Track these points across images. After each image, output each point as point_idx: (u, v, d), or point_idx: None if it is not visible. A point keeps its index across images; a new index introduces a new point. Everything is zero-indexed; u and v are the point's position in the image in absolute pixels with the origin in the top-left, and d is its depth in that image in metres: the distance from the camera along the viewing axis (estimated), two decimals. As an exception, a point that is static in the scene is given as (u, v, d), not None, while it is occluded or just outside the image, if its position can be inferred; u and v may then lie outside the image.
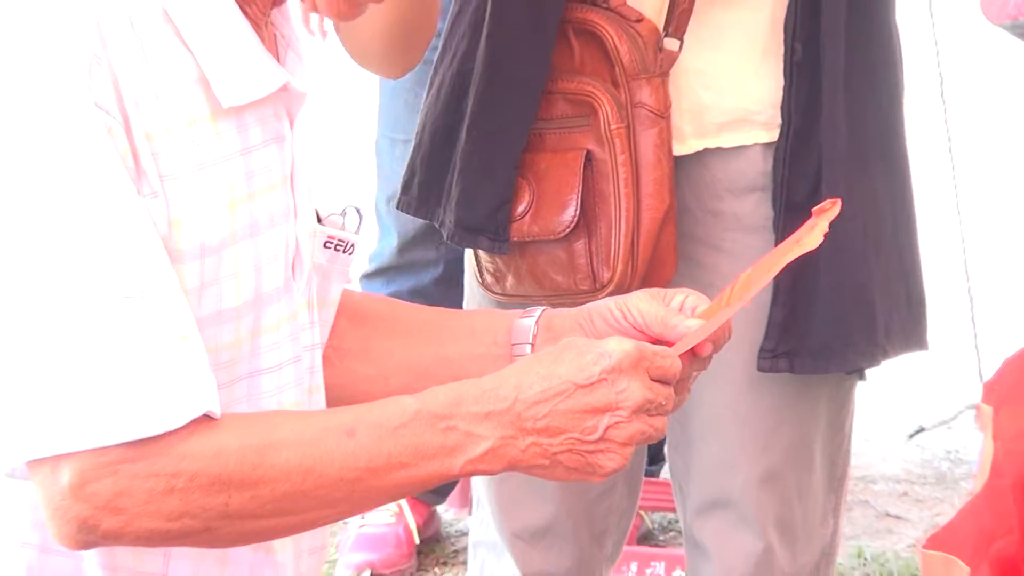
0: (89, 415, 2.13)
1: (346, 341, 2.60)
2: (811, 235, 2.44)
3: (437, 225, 3.36)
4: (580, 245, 3.24)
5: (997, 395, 2.32)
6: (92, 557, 2.28)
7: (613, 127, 3.20)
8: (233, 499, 2.19)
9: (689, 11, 3.22)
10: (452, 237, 3.34)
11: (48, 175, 2.15)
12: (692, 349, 2.34)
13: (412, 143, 3.48)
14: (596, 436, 2.23)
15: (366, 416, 2.25)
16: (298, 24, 2.49)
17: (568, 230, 3.24)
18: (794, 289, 3.24)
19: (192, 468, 2.16)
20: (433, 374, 2.45)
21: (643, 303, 2.45)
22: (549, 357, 2.27)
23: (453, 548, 5.16)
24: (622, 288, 2.83)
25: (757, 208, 3.29)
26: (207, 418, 2.16)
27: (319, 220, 2.49)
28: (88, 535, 2.17)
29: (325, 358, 2.53)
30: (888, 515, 5.37)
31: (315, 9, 2.52)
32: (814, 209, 2.50)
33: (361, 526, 4.91)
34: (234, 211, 2.27)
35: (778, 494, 3.37)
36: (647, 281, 3.11)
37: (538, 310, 2.52)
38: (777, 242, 3.15)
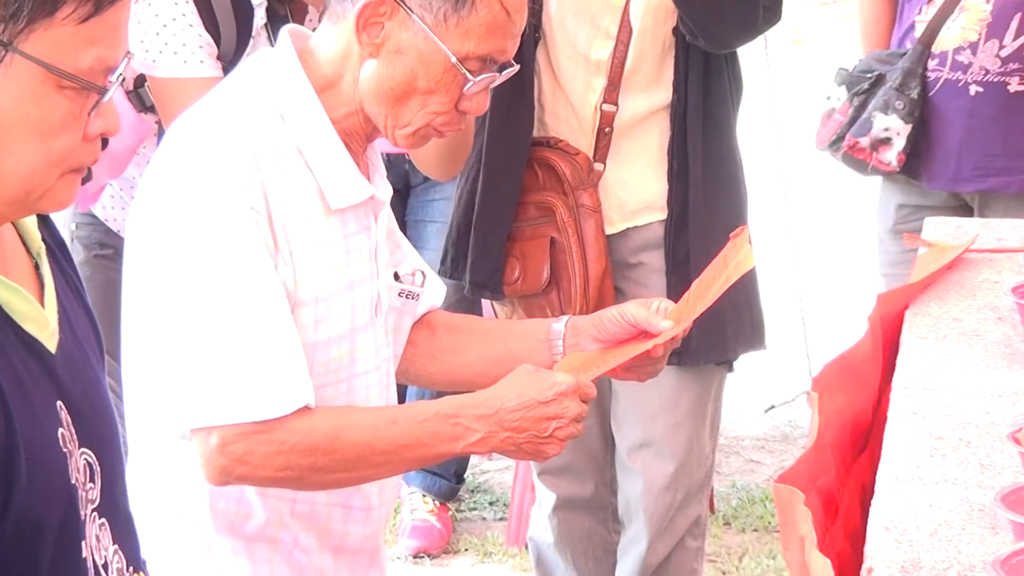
0: (232, 402, 2.33)
1: (444, 343, 2.69)
2: (745, 257, 2.60)
3: (462, 284, 3.70)
4: (553, 295, 3.61)
5: (820, 386, 2.39)
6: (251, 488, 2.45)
7: (566, 221, 3.58)
8: (318, 460, 2.36)
9: (608, 146, 3.58)
10: (470, 292, 3.72)
11: (220, 249, 2.33)
12: (664, 344, 2.54)
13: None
14: (547, 434, 2.41)
15: (404, 412, 2.46)
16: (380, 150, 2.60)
17: (544, 286, 3.61)
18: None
19: (294, 439, 2.34)
20: (501, 362, 2.57)
21: (635, 309, 2.58)
22: (522, 381, 2.43)
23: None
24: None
25: (657, 259, 3.63)
26: (306, 408, 2.35)
27: (397, 278, 2.60)
28: (226, 478, 2.36)
29: (429, 356, 2.68)
30: (751, 460, 5.43)
31: (393, 143, 2.48)
32: (732, 235, 2.67)
33: (412, 519, 4.83)
34: (337, 274, 2.43)
35: (683, 437, 3.70)
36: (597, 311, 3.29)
37: (565, 317, 2.65)
38: (668, 286, 3.56)
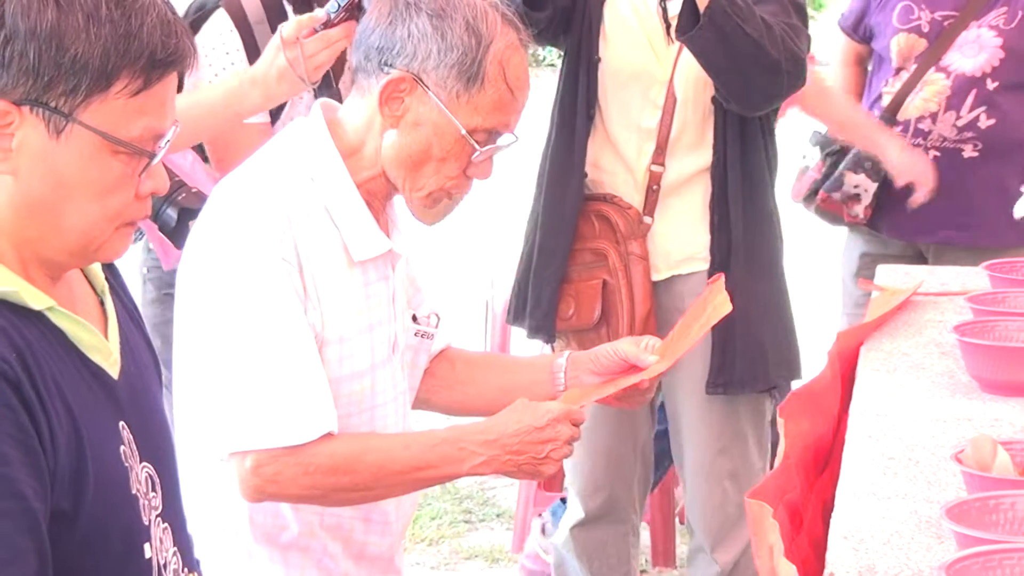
0: (264, 429, 2.35)
1: (462, 375, 2.70)
2: (722, 303, 2.61)
3: (524, 328, 3.75)
4: (603, 331, 3.61)
5: (786, 412, 2.39)
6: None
7: (617, 266, 3.60)
8: (340, 480, 2.37)
9: (656, 201, 3.61)
10: (529, 335, 3.76)
11: (256, 296, 2.35)
12: (650, 377, 2.54)
13: None
14: (543, 455, 2.43)
15: (416, 438, 2.46)
16: (400, 210, 2.62)
17: (595, 323, 3.62)
18: (724, 349, 3.58)
19: (318, 461, 2.35)
20: (512, 392, 2.55)
21: (626, 346, 2.61)
22: (520, 410, 2.44)
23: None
24: None
25: None
26: (329, 434, 2.36)
27: (415, 319, 2.60)
28: (259, 495, 2.38)
29: (448, 386, 2.69)
30: None
31: (409, 204, 2.54)
32: (709, 281, 2.73)
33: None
34: (359, 317, 2.44)
35: (730, 459, 3.69)
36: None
37: (566, 353, 2.67)
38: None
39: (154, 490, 1.85)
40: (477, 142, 2.44)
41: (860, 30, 4.44)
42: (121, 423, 1.80)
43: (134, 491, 1.79)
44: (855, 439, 2.43)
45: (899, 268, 3.53)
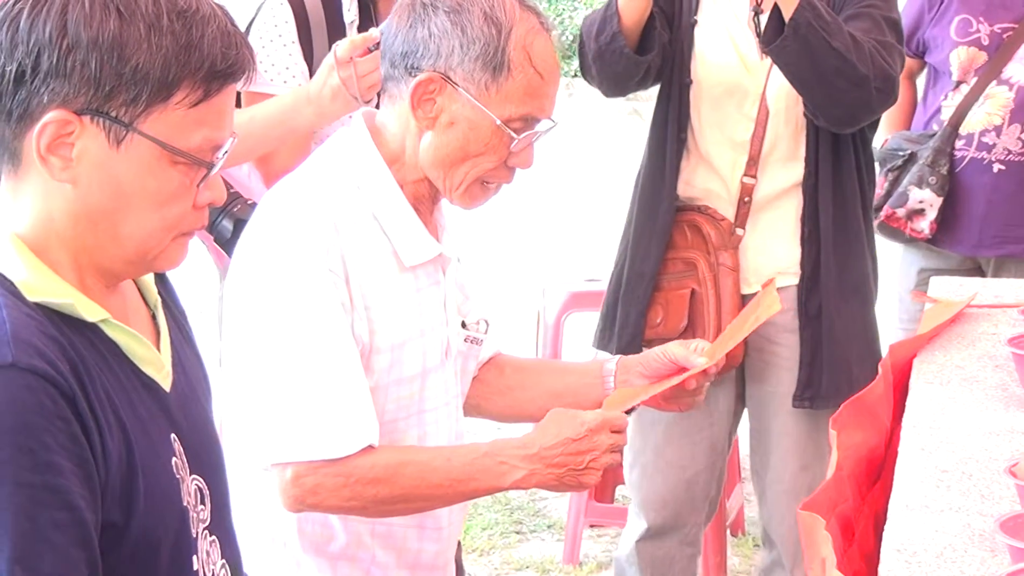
0: (306, 442, 2.35)
1: (511, 381, 2.70)
2: (771, 303, 2.64)
3: (611, 351, 3.67)
4: (689, 339, 3.59)
5: (839, 424, 2.39)
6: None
7: (706, 276, 3.62)
8: (380, 492, 2.36)
9: (747, 214, 3.62)
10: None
11: (300, 308, 2.35)
12: (703, 371, 2.54)
13: None
14: (583, 466, 2.42)
15: (457, 451, 2.43)
16: (448, 211, 2.59)
17: (681, 332, 3.62)
18: (811, 364, 3.60)
19: (358, 474, 2.35)
20: (562, 396, 2.59)
21: (676, 348, 2.60)
22: (557, 422, 2.44)
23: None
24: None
25: (790, 319, 3.63)
26: (370, 447, 2.35)
27: (464, 326, 2.59)
28: (300, 506, 2.37)
29: (498, 392, 2.69)
30: None
31: (451, 202, 2.49)
32: (763, 284, 2.75)
33: None
34: (411, 323, 2.44)
35: (811, 476, 3.67)
36: (729, 362, 3.47)
37: (616, 357, 2.68)
38: (801, 339, 3.59)
39: (203, 503, 1.85)
40: (514, 131, 2.42)
41: (913, 44, 4.43)
42: (173, 435, 1.82)
43: (184, 503, 1.80)
44: (908, 451, 2.42)
45: (953, 280, 3.51)
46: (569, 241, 8.41)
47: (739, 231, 3.63)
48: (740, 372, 3.77)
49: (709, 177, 3.66)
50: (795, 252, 3.62)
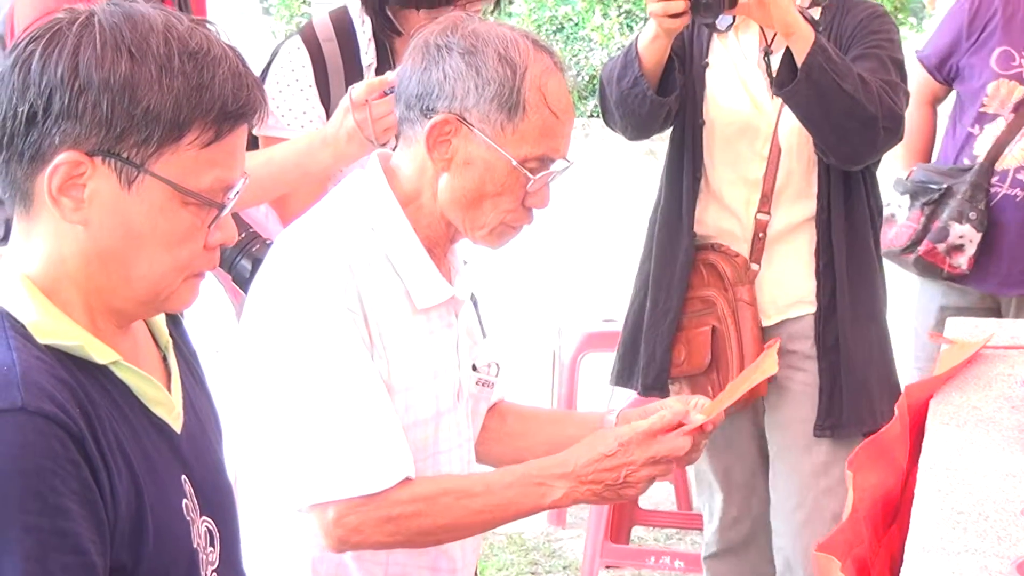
0: (346, 480, 2.34)
1: (513, 429, 2.72)
2: (769, 365, 2.60)
3: (634, 388, 3.78)
4: (714, 375, 3.66)
5: (855, 465, 2.38)
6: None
7: (726, 313, 3.66)
8: (423, 523, 2.36)
9: (762, 249, 3.66)
10: (642, 393, 3.76)
11: (324, 348, 2.34)
12: (700, 427, 2.49)
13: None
14: (620, 481, 2.41)
15: (494, 476, 2.44)
16: (461, 253, 2.60)
17: (705, 368, 3.67)
18: (831, 393, 3.63)
19: (399, 508, 2.34)
20: (562, 447, 2.53)
21: (675, 404, 2.56)
22: (591, 439, 2.45)
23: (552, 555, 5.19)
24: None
25: (808, 347, 3.68)
26: (407, 479, 2.35)
27: (475, 368, 2.62)
28: (343, 546, 2.37)
29: (498, 439, 2.69)
30: None
31: (474, 242, 2.50)
32: (766, 345, 2.73)
33: None
34: (423, 365, 2.45)
35: (833, 503, 3.69)
36: (752, 394, 3.46)
37: (616, 409, 2.69)
38: (820, 369, 3.64)
39: (212, 545, 1.85)
40: (529, 171, 2.43)
41: (945, 70, 4.40)
42: (183, 477, 1.82)
43: (194, 545, 1.80)
44: (924, 493, 2.39)
45: (969, 321, 3.50)
46: (585, 281, 8.42)
47: (754, 266, 3.68)
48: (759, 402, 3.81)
49: (721, 215, 3.70)
50: (810, 284, 3.67)
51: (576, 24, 12.92)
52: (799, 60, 3.43)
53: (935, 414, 2.77)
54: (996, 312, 4.32)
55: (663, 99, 3.56)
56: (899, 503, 2.55)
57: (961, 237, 4.26)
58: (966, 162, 4.31)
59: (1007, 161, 4.24)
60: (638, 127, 3.66)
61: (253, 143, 3.35)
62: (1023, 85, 4.22)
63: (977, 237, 4.24)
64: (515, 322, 7.28)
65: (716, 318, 3.66)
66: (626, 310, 3.84)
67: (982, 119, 4.29)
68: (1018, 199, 4.23)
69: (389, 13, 3.32)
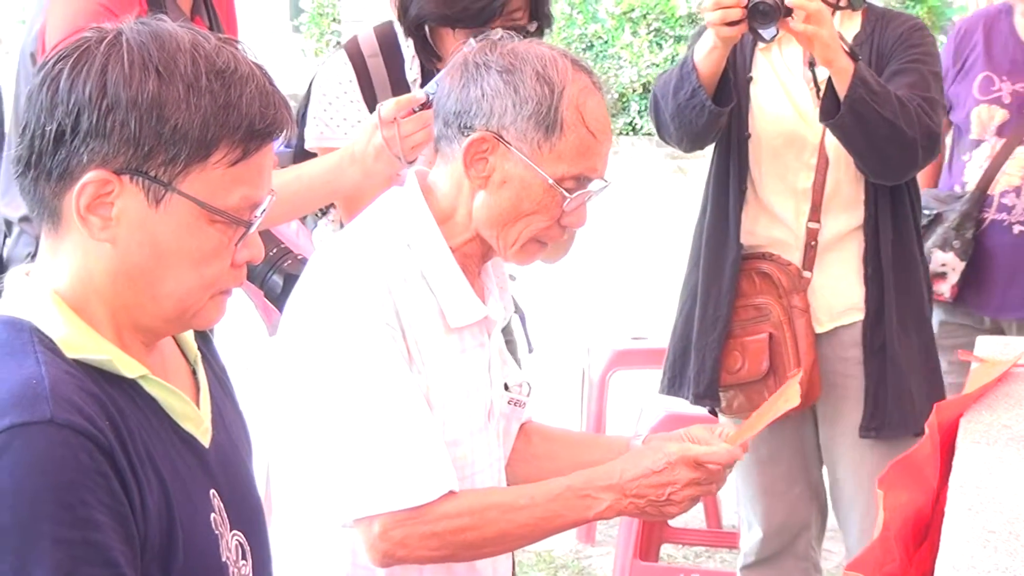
0: (391, 493, 2.34)
1: (539, 450, 2.70)
2: (792, 395, 2.61)
3: (686, 397, 3.82)
4: (771, 382, 3.70)
5: (885, 484, 2.35)
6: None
7: (782, 320, 3.71)
8: (468, 537, 2.36)
9: (814, 257, 3.71)
10: (693, 402, 3.81)
11: (365, 362, 2.34)
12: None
13: None
14: (663, 498, 2.42)
15: (539, 489, 2.42)
16: (496, 272, 2.60)
17: (763, 375, 3.71)
18: (876, 395, 3.69)
19: (443, 522, 2.34)
20: (586, 468, 2.52)
21: (700, 432, 2.57)
22: (639, 454, 2.47)
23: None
24: None
25: (856, 353, 3.73)
26: (451, 493, 2.35)
27: (507, 388, 2.61)
28: (389, 560, 2.36)
29: (524, 460, 2.67)
30: (824, 549, 5.16)
31: (505, 260, 2.52)
32: (789, 374, 2.75)
33: None
34: (456, 384, 2.45)
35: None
36: (806, 398, 3.60)
37: (643, 434, 2.68)
38: (866, 373, 3.69)
39: (244, 558, 1.85)
40: (566, 190, 2.43)
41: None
42: (212, 491, 1.82)
43: (223, 559, 1.80)
44: (955, 512, 2.35)
45: (999, 339, 3.49)
46: (614, 299, 8.43)
47: (807, 274, 3.73)
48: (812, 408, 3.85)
49: (772, 225, 3.75)
50: (859, 290, 3.72)
51: (606, 42, 12.98)
52: (841, 94, 3.51)
53: (965, 432, 2.75)
54: (998, 329, 4.29)
55: (722, 109, 3.60)
56: (930, 522, 2.52)
57: (943, 265, 4.24)
58: (957, 189, 4.30)
59: (996, 187, 4.21)
60: (694, 138, 3.70)
61: (307, 157, 3.35)
62: (1003, 109, 4.21)
63: (960, 266, 4.23)
64: (544, 340, 7.25)
65: (772, 325, 3.71)
66: (673, 321, 3.88)
67: (971, 146, 4.28)
68: (1005, 223, 4.21)
69: (427, 34, 3.31)
